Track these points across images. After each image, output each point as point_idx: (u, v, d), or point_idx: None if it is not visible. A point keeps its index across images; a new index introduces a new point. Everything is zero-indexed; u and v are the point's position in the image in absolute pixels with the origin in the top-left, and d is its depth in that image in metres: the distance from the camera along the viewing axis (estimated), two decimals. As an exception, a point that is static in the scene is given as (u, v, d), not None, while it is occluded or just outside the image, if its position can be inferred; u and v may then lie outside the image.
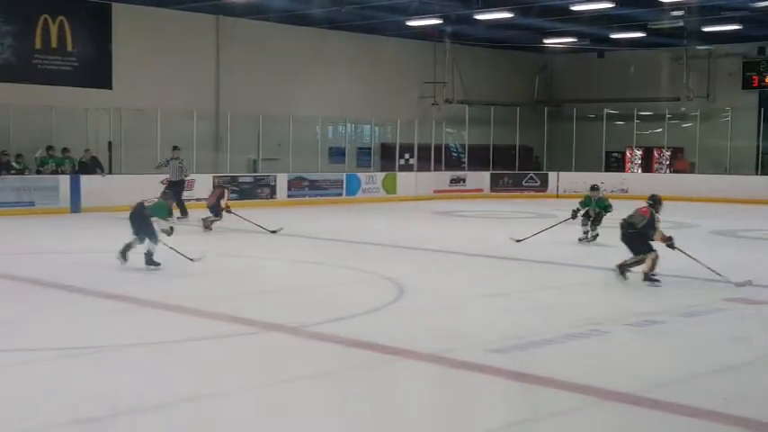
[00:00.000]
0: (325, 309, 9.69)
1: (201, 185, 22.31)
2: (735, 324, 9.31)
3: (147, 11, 24.67)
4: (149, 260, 12.03)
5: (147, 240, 12.08)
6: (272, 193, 25.29)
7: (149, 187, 16.97)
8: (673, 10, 25.27)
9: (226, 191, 18.01)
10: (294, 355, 7.82)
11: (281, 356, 7.73)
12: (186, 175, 21.00)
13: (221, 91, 26.44)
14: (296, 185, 25.80)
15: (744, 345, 8.30)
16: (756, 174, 29.49)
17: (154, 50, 24.91)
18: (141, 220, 12.19)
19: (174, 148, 20.96)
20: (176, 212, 18.54)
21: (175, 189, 18.45)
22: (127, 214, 12.64)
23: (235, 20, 26.21)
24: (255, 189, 25.03)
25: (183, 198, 20.31)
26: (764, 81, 30.83)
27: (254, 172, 26.19)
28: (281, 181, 25.54)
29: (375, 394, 6.64)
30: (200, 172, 23.73)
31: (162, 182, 19.07)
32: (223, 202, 17.55)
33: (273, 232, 16.76)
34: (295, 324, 8.77)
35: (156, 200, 12.55)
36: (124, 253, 12.14)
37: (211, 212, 17.65)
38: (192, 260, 12.12)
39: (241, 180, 24.76)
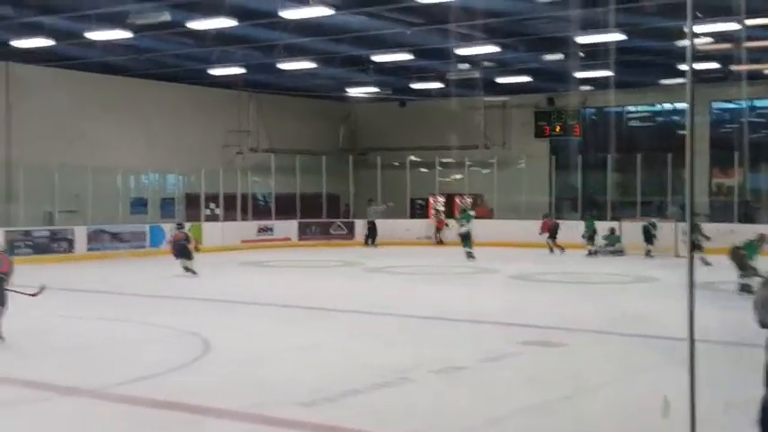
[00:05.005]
0: (126, 368, 9.30)
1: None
2: (532, 367, 9.67)
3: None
4: None
5: None
6: (71, 247, 24.16)
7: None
8: (468, 62, 26.39)
9: None
10: (96, 420, 7.42)
11: (82, 423, 7.31)
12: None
13: (12, 139, 25.17)
14: (96, 239, 24.77)
15: (541, 386, 8.62)
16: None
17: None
18: None
19: (384, 203, 30.60)
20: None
21: (372, 228, 29.26)
22: None
23: (26, 66, 25.11)
24: (51, 243, 23.83)
25: None
26: (555, 130, 32.67)
27: (50, 225, 24.98)
28: (80, 234, 24.46)
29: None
30: (-9, 226, 22.42)
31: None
32: None
33: (34, 295, 11.62)
34: (94, 386, 8.36)
35: None
36: None
37: None
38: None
39: (35, 234, 23.57)
